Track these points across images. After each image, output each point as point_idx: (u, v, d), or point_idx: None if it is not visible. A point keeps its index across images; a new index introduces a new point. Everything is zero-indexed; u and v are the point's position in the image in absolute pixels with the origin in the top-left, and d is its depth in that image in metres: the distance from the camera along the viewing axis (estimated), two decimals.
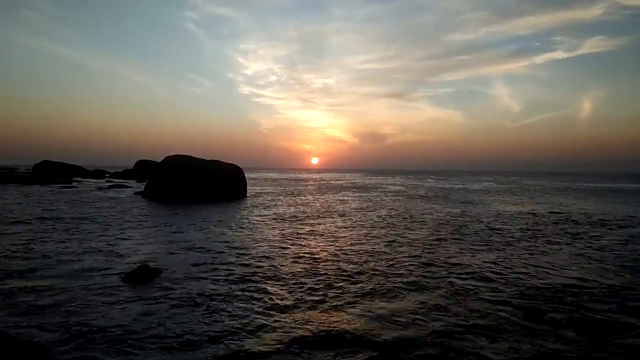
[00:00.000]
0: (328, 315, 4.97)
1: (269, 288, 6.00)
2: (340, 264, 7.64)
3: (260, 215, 15.20)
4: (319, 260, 7.89)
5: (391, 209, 18.69)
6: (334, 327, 4.57)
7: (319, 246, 9.44)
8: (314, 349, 4.03)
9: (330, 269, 7.24)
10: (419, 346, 4.10)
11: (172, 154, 22.66)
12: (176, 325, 4.51)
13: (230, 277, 6.53)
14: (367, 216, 15.67)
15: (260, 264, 7.50)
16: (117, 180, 39.09)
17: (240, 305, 5.24)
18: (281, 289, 5.97)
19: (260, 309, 5.09)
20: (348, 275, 6.79)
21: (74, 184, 33.12)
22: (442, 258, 8.24)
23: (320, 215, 15.74)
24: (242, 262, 7.56)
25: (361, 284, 6.30)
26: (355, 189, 35.61)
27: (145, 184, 24.58)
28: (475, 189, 37.49)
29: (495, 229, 12.40)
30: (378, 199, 24.50)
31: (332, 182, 52.36)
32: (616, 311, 5.23)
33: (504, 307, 5.32)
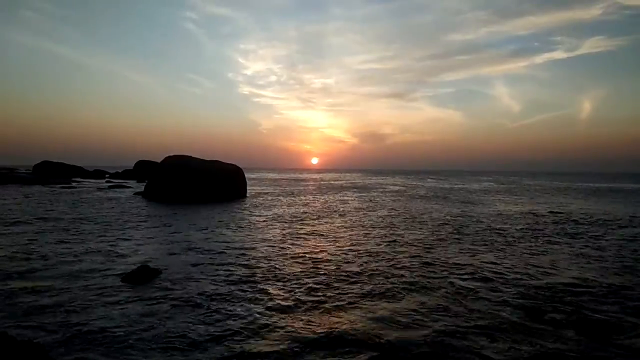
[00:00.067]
0: (328, 315, 4.97)
1: (269, 288, 6.00)
2: (341, 264, 7.64)
3: (260, 216, 15.20)
4: (319, 261, 7.89)
5: (391, 209, 18.69)
6: (335, 327, 4.57)
7: (319, 246, 9.44)
8: (315, 349, 4.03)
9: (331, 269, 7.24)
10: (420, 346, 4.10)
11: (172, 154, 22.70)
12: (176, 326, 4.50)
13: (230, 278, 6.53)
14: (367, 216, 15.68)
15: (261, 264, 7.50)
16: (117, 181, 39.12)
17: (241, 305, 5.24)
18: (281, 289, 5.97)
19: (261, 310, 5.09)
20: (348, 276, 6.79)
21: (74, 184, 33.13)
22: (442, 258, 8.24)
23: (321, 216, 15.74)
24: (242, 263, 7.56)
25: (361, 284, 6.30)
26: (355, 189, 35.62)
27: (145, 184, 24.58)
28: (475, 189, 37.50)
29: (496, 229, 12.40)
30: (378, 199, 24.51)
31: (332, 182, 52.37)
32: (616, 311, 5.23)
33: (504, 307, 5.32)
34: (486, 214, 16.52)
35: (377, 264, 7.64)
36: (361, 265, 7.57)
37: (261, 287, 6.06)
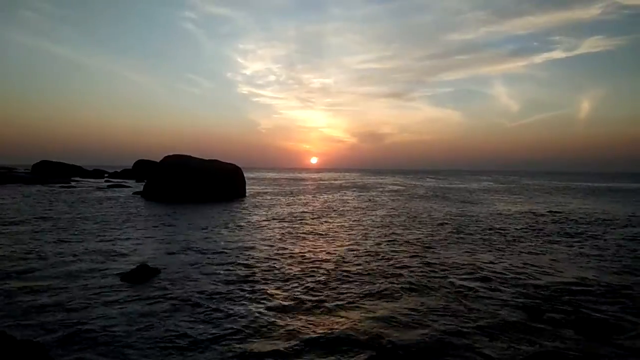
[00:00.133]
0: (328, 315, 4.97)
1: (268, 288, 6.00)
2: (340, 263, 7.64)
3: (260, 215, 15.20)
4: (318, 261, 7.89)
5: (390, 208, 18.70)
6: (334, 327, 4.57)
7: (318, 246, 9.44)
8: (314, 349, 4.03)
9: (330, 268, 7.24)
10: (420, 346, 4.10)
11: (171, 153, 22.68)
12: (176, 325, 4.50)
13: (230, 277, 6.52)
14: (366, 216, 15.68)
15: (260, 263, 7.50)
16: (116, 180, 39.07)
17: (240, 305, 5.24)
18: (281, 289, 5.97)
19: (260, 309, 5.09)
20: (348, 275, 6.79)
21: (73, 183, 33.09)
22: (441, 258, 8.24)
23: (320, 215, 15.73)
24: (242, 262, 7.56)
25: (361, 284, 6.30)
26: (354, 189, 35.62)
27: (144, 183, 24.54)
28: (475, 188, 37.52)
29: (495, 229, 12.41)
30: (377, 199, 24.51)
31: (331, 181, 52.35)
32: (615, 311, 5.24)
33: (504, 307, 5.32)
34: (485, 214, 16.53)
35: (376, 264, 7.64)
36: (361, 264, 7.57)
37: (260, 286, 6.06)
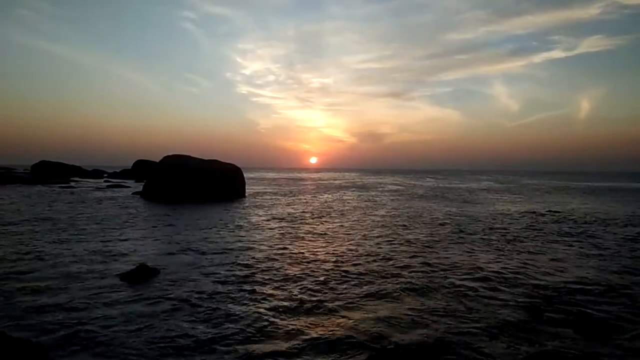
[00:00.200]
0: (328, 315, 4.97)
1: (268, 289, 6.00)
2: (340, 264, 7.64)
3: (259, 215, 15.19)
4: (318, 261, 7.89)
5: (390, 208, 18.70)
6: (335, 327, 4.57)
7: (318, 246, 9.43)
8: (314, 350, 4.02)
9: (330, 269, 7.24)
10: (419, 346, 4.09)
11: (170, 153, 22.65)
12: (175, 325, 4.49)
13: (229, 277, 6.52)
14: (366, 215, 15.68)
15: (259, 264, 7.49)
16: (115, 180, 39.03)
17: (239, 305, 5.23)
18: (280, 289, 5.96)
19: (260, 309, 5.08)
20: (348, 276, 6.79)
21: (72, 184, 33.06)
22: (441, 258, 8.24)
23: (320, 215, 15.73)
24: (241, 262, 7.55)
25: (361, 284, 6.30)
26: (354, 189, 35.63)
27: (143, 183, 24.52)
28: (474, 188, 37.54)
29: (495, 229, 12.42)
30: (377, 199, 24.51)
31: (331, 181, 52.36)
32: (615, 310, 5.24)
33: (504, 307, 5.32)
34: (485, 213, 16.54)
35: (376, 264, 7.64)
36: (361, 265, 7.57)
37: (260, 287, 6.06)
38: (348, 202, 21.81)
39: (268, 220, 13.91)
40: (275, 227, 12.22)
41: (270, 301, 5.41)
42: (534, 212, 17.07)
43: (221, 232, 10.97)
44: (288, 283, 6.29)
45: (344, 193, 29.82)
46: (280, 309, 5.11)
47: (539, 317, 4.93)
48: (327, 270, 7.09)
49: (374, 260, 7.91)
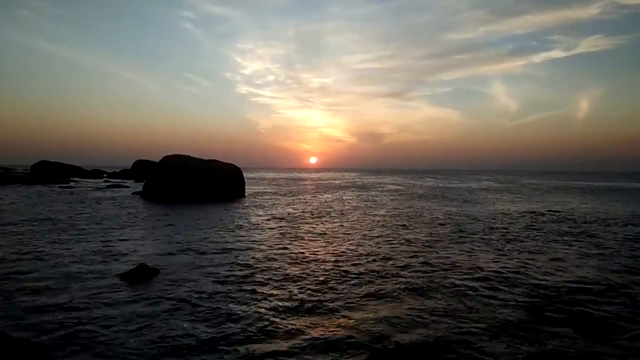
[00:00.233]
0: (328, 315, 4.97)
1: (268, 289, 6.00)
2: (340, 264, 7.64)
3: (259, 215, 15.19)
4: (318, 261, 7.89)
5: (390, 208, 18.70)
6: (335, 327, 4.57)
7: (318, 247, 9.43)
8: (314, 350, 4.02)
9: (330, 269, 7.24)
10: (420, 346, 4.09)
11: (170, 153, 22.64)
12: (175, 325, 4.49)
13: (229, 278, 6.51)
14: (366, 215, 15.68)
15: (259, 264, 7.49)
16: (115, 180, 39.03)
17: (240, 305, 5.23)
18: (281, 289, 5.96)
19: (260, 310, 5.08)
20: (348, 276, 6.79)
21: (72, 184, 33.04)
22: (441, 258, 8.24)
23: (319, 215, 15.73)
24: (241, 262, 7.55)
25: (361, 285, 6.30)
26: (353, 188, 35.63)
27: (143, 184, 24.51)
28: (474, 188, 37.56)
29: (495, 228, 12.42)
30: (377, 198, 24.52)
31: (331, 181, 52.37)
32: (615, 310, 5.24)
33: (504, 307, 5.32)
34: (485, 213, 16.54)
35: (376, 264, 7.64)
36: (361, 265, 7.57)
37: (260, 287, 6.05)
38: (348, 202, 21.81)
39: (268, 220, 13.91)
40: (275, 227, 12.22)
41: (270, 301, 5.41)
42: (533, 212, 17.08)
43: (221, 232, 10.96)
44: (288, 283, 6.29)
45: (344, 193, 29.83)
46: (281, 309, 5.11)
47: (539, 317, 4.93)
48: (327, 270, 7.09)
49: (374, 260, 7.91)
